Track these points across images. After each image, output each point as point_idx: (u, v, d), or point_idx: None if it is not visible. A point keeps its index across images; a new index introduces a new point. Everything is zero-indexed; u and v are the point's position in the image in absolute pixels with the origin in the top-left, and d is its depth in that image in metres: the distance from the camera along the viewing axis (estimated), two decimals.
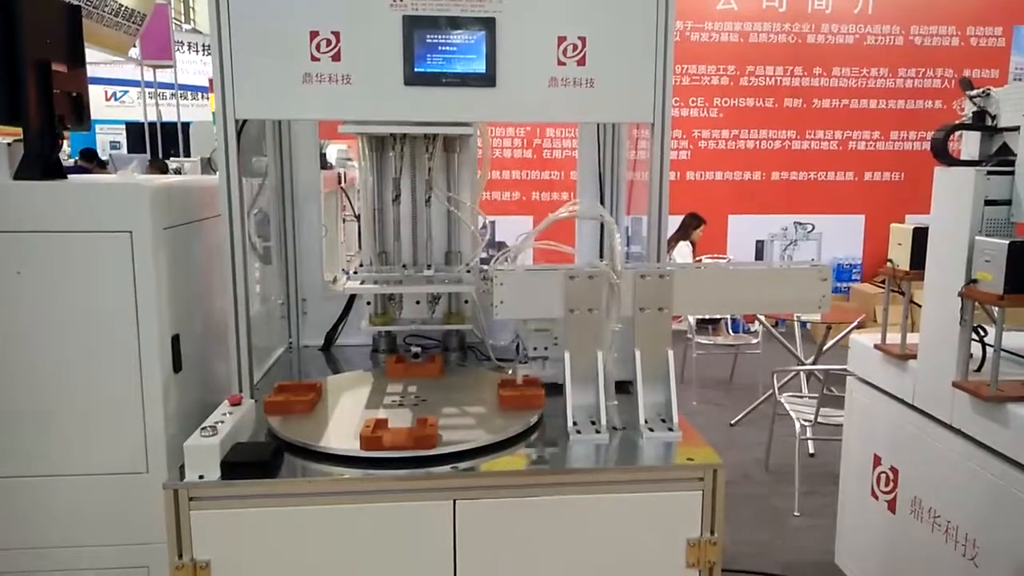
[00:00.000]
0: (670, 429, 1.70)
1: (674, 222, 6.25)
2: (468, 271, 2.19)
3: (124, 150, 11.58)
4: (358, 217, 2.65)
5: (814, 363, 4.80)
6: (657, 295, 1.73)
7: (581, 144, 2.54)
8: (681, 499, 1.57)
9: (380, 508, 1.51)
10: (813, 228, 8.05)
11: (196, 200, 2.02)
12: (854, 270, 8.04)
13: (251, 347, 1.87)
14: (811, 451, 4.40)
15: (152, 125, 10.26)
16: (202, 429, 1.53)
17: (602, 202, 2.51)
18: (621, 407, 1.76)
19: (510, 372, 2.15)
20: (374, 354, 2.41)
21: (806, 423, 3.85)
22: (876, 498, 2.72)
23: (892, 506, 2.64)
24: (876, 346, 2.65)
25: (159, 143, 10.24)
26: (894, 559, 2.66)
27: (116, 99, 12.63)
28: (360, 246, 2.47)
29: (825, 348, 4.84)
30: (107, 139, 12.32)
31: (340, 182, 3.52)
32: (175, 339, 1.85)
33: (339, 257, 3.75)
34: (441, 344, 2.43)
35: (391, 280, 2.18)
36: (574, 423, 1.70)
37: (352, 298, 2.44)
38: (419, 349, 2.21)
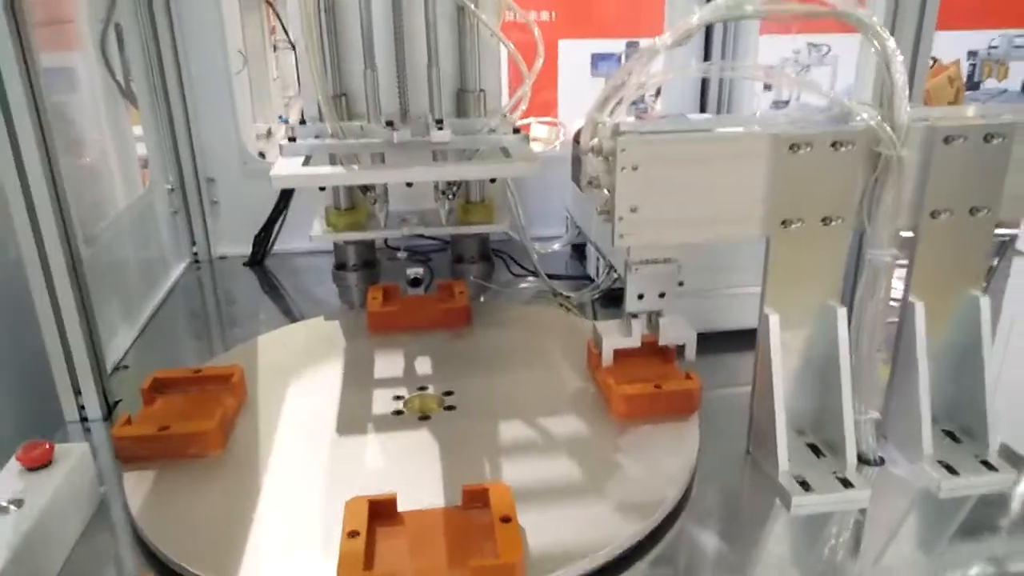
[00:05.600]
0: (987, 465, 0.81)
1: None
2: (516, 130, 1.18)
3: None
4: (294, 46, 1.58)
5: None
6: (973, 181, 0.77)
7: None
8: None
9: None
10: (829, 50, 6.98)
11: None
12: None
13: (87, 300, 0.89)
14: None
15: None
16: None
17: None
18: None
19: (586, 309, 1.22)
20: (339, 273, 1.43)
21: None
22: None
23: None
24: None
25: None
26: None
27: None
28: (300, 85, 1.42)
29: None
30: None
31: None
32: None
33: (272, 104, 2.67)
34: (448, 248, 1.47)
35: (363, 150, 1.17)
36: (788, 461, 0.80)
37: None
38: (420, 271, 1.24)
